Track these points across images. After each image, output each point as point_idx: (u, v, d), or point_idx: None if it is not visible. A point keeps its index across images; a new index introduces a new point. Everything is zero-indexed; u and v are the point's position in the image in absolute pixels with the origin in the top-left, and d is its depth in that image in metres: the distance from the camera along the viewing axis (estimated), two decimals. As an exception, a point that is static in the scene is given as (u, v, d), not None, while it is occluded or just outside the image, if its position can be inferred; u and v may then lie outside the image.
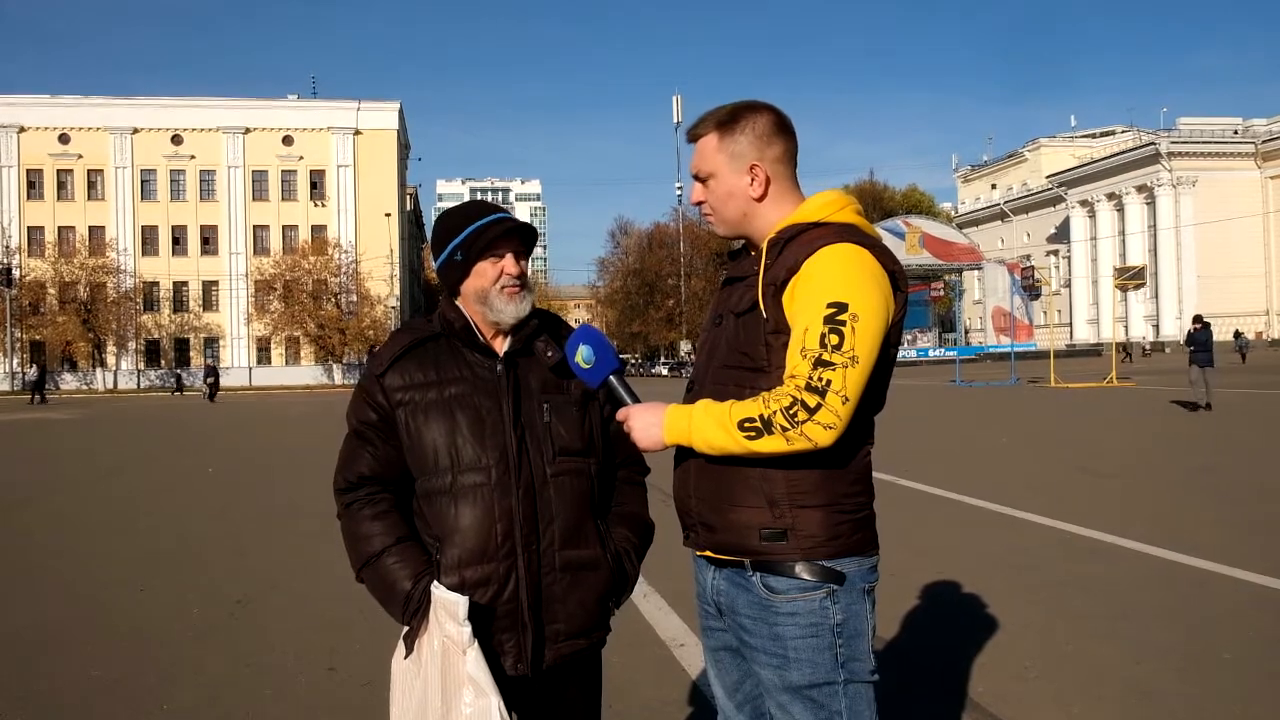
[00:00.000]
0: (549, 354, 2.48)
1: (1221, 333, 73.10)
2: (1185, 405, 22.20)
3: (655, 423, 2.27)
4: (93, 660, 5.56)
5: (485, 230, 2.43)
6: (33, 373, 57.15)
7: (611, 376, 2.38)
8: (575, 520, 2.44)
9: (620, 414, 2.35)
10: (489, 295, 2.43)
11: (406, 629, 2.37)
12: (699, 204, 2.42)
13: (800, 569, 2.20)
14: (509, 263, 2.45)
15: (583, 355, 2.37)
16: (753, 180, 2.32)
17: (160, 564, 8.24)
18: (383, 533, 2.39)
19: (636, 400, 2.36)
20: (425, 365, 2.45)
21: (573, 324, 2.64)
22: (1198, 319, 23.90)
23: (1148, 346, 76.03)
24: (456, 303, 2.50)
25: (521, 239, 2.48)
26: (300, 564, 7.99)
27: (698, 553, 2.37)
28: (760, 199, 2.33)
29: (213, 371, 53.38)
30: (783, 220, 2.30)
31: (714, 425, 2.16)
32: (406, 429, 2.41)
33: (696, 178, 2.40)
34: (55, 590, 7.40)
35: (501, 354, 2.47)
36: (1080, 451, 14.73)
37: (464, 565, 2.37)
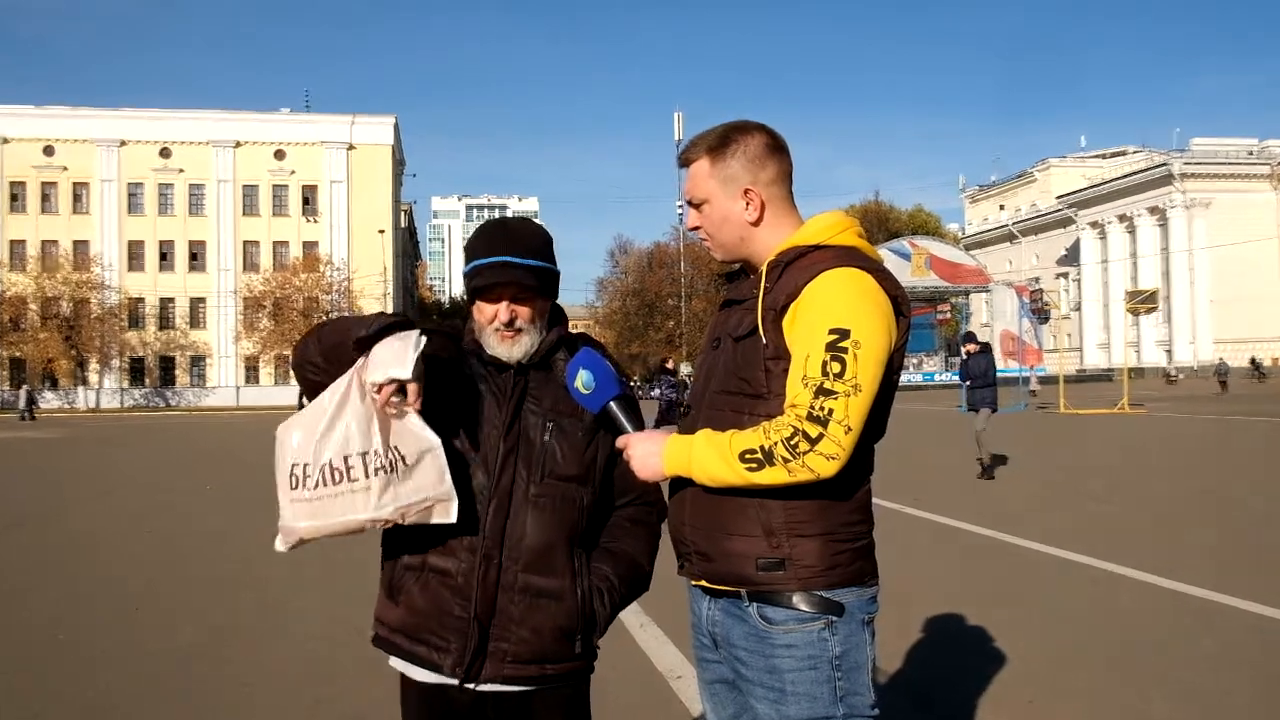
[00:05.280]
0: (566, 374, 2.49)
1: (1237, 358, 73.39)
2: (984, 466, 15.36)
3: (655, 452, 2.28)
4: (87, 682, 5.56)
5: (479, 274, 2.44)
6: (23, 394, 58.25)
7: (612, 403, 2.37)
8: (545, 545, 2.41)
9: (620, 442, 2.36)
10: (484, 332, 2.47)
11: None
12: (695, 229, 2.44)
13: (798, 600, 2.20)
14: (502, 310, 2.44)
15: (582, 380, 2.37)
16: (748, 204, 2.34)
17: (154, 585, 8.23)
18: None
19: (639, 428, 2.36)
20: (451, 348, 2.47)
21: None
22: (969, 337, 17.35)
23: (1174, 371, 75.79)
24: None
25: (521, 285, 2.44)
26: (294, 590, 7.97)
27: (693, 582, 2.38)
28: (756, 223, 2.34)
29: None
30: (782, 243, 2.31)
31: (714, 457, 2.17)
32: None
33: (690, 203, 2.42)
34: (49, 608, 7.38)
35: (516, 364, 2.48)
36: (1088, 479, 14.73)
37: (430, 551, 2.41)
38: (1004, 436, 24.21)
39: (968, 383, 16.36)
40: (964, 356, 16.77)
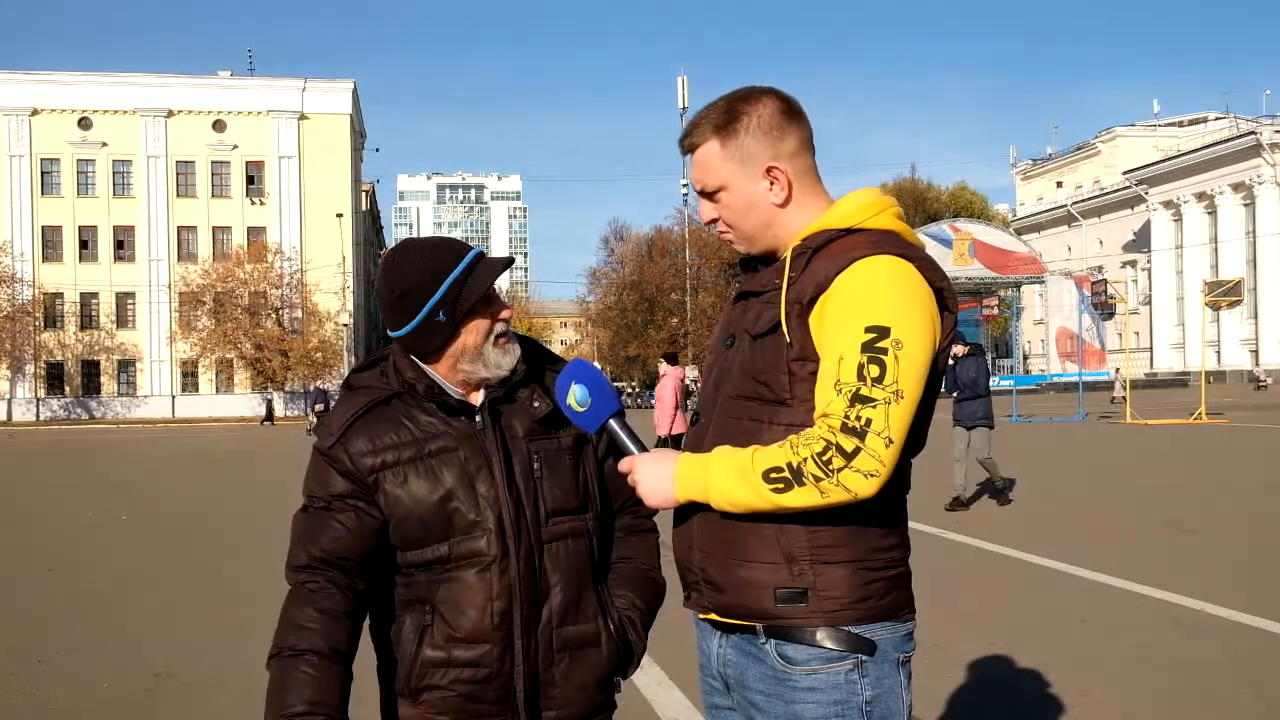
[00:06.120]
0: (534, 404, 2.50)
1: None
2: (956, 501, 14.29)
3: (665, 476, 2.28)
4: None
5: (470, 277, 2.42)
6: None
7: (612, 420, 2.38)
8: (573, 591, 2.48)
9: (623, 465, 2.36)
10: (484, 352, 2.45)
11: None
12: (712, 223, 2.42)
13: (822, 636, 2.21)
14: (504, 311, 2.49)
15: (576, 397, 2.37)
16: (773, 184, 2.33)
17: (63, 630, 8.25)
18: (319, 633, 2.36)
19: (642, 448, 2.36)
20: (395, 425, 2.45)
21: (558, 348, 2.65)
22: (956, 337, 13.72)
23: (1262, 376, 75.26)
24: (424, 363, 2.49)
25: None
26: (230, 632, 7.98)
27: (701, 616, 2.39)
28: (784, 204, 2.34)
29: (323, 396, 49.15)
30: (808, 226, 2.32)
31: (734, 478, 2.17)
32: (385, 500, 2.42)
33: (703, 194, 2.40)
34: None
35: (480, 404, 2.48)
36: (1162, 502, 14.72)
37: (454, 643, 2.41)
38: (1063, 450, 24.22)
39: (955, 394, 15.13)
40: (950, 361, 15.37)
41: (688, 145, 2.39)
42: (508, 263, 2.49)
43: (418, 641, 2.43)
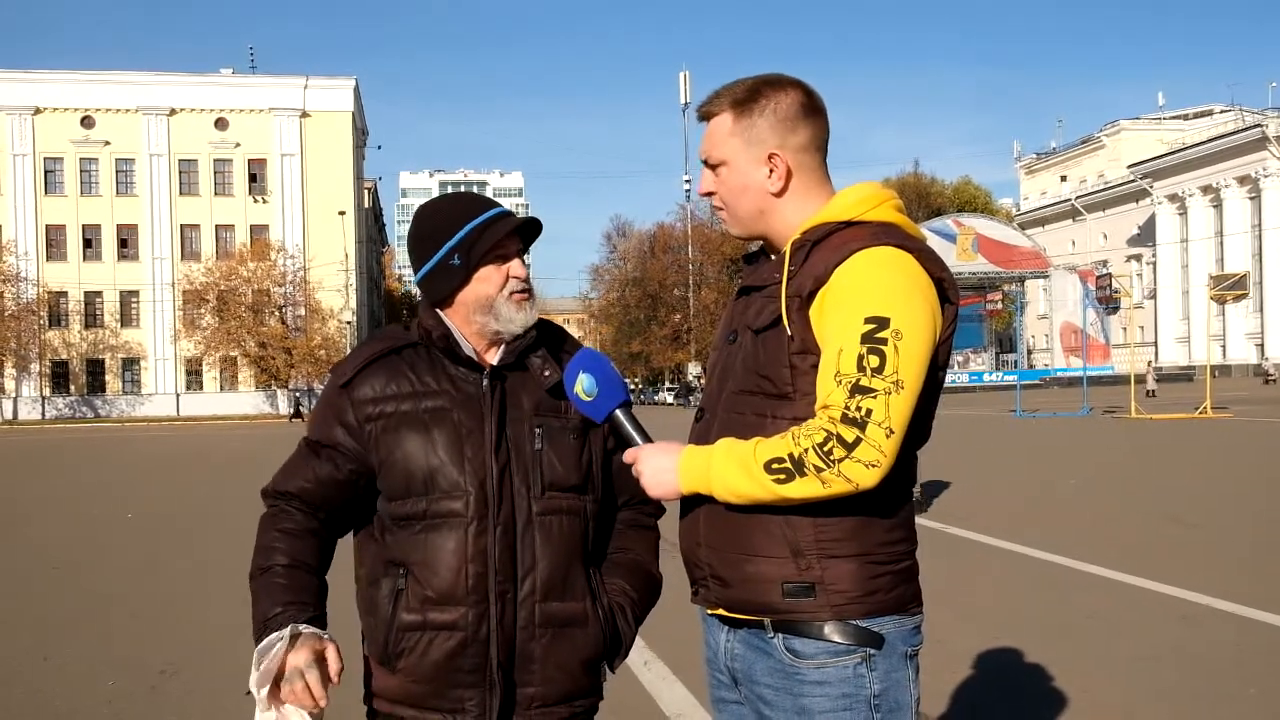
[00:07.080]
0: (545, 373, 2.52)
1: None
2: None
3: (669, 468, 2.29)
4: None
5: (489, 228, 2.47)
6: None
7: (618, 411, 2.40)
8: (561, 568, 2.47)
9: (628, 455, 2.38)
10: (495, 304, 2.48)
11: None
12: (709, 195, 2.45)
13: (830, 630, 2.21)
14: (516, 265, 2.51)
15: (583, 386, 2.39)
16: (771, 171, 2.34)
17: (69, 627, 8.26)
18: (284, 550, 2.48)
19: (648, 440, 2.37)
20: (398, 375, 2.49)
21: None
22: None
23: (1272, 370, 74.99)
24: (441, 312, 2.52)
25: (524, 237, 2.54)
26: (234, 628, 7.98)
27: (708, 611, 2.39)
28: (780, 194, 2.35)
29: None
30: (808, 219, 2.32)
31: (736, 469, 2.17)
32: (377, 447, 2.46)
33: (706, 164, 2.42)
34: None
35: (489, 367, 2.50)
36: (1167, 497, 14.73)
37: (429, 605, 2.42)
38: (1067, 446, 24.19)
39: None
40: None
41: (704, 112, 2.42)
42: (531, 222, 2.52)
43: (393, 605, 2.45)
